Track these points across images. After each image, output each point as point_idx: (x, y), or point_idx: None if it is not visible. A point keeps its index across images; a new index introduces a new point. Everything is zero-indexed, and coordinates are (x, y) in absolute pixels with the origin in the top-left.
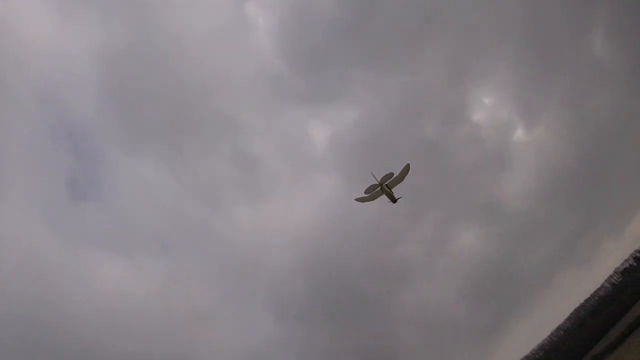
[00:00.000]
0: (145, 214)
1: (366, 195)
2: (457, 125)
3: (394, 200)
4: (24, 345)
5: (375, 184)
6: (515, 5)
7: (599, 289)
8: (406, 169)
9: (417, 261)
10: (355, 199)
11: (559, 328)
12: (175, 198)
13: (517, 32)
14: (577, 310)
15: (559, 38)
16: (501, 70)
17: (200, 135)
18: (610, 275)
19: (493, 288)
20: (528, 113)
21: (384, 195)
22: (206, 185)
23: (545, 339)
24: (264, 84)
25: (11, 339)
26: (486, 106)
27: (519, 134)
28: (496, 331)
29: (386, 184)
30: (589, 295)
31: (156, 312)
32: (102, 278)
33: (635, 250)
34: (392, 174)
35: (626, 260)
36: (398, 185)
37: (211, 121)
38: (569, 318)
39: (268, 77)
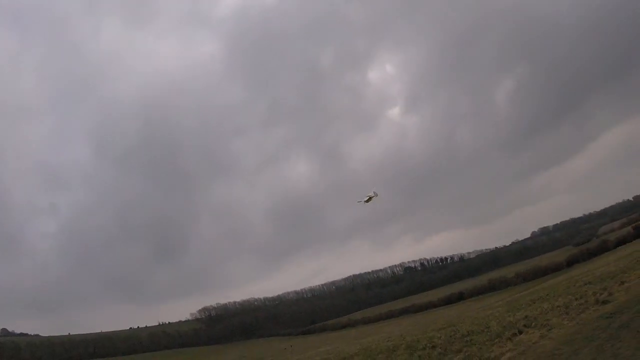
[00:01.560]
0: None
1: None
2: (350, 70)
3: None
4: None
5: (371, 196)
6: (464, 14)
7: (380, 270)
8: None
9: (247, 162)
10: (357, 201)
11: (332, 283)
12: None
13: (454, 33)
14: (355, 277)
15: (480, 64)
16: (417, 52)
17: None
18: (395, 265)
19: (298, 221)
20: (413, 102)
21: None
22: None
23: (319, 285)
24: None
25: None
26: (384, 72)
27: (394, 112)
28: (282, 258)
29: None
30: (370, 270)
31: None
32: None
33: (424, 258)
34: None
35: (414, 261)
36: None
37: None
38: (345, 279)
39: None
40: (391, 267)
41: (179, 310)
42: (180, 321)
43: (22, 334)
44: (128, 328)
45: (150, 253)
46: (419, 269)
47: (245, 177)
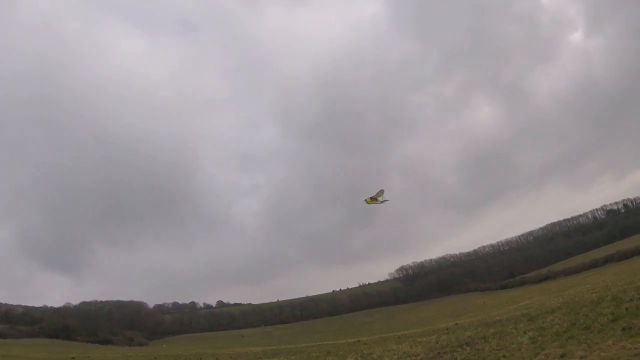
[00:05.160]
0: None
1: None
2: None
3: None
4: (36, 105)
5: (375, 197)
6: None
7: (581, 216)
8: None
9: (428, 115)
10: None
11: (530, 233)
12: None
13: None
14: (553, 225)
15: None
16: None
17: None
18: (596, 209)
19: (488, 170)
20: (594, 21)
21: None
22: None
23: (515, 237)
24: None
25: (22, 96)
26: None
27: (577, 36)
28: (475, 211)
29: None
30: (569, 217)
31: (168, 94)
32: (121, 51)
33: (627, 198)
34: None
35: (616, 203)
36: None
37: None
38: (543, 228)
39: None
40: (592, 212)
41: (378, 271)
42: (379, 281)
43: (235, 304)
44: (331, 291)
45: (346, 217)
46: (623, 211)
47: (429, 130)
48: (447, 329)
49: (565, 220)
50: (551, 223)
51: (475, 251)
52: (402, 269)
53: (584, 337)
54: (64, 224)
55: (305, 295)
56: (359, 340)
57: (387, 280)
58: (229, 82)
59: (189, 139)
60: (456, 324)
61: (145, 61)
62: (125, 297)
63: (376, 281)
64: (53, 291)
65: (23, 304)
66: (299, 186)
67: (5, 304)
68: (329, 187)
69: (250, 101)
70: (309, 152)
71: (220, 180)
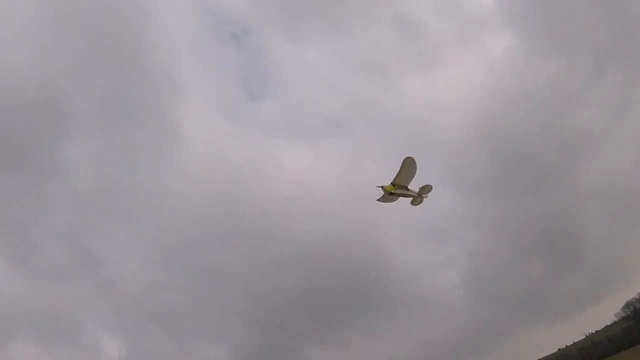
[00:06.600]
0: (317, 97)
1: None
2: None
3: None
4: (229, 237)
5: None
6: None
7: None
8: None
9: (599, 126)
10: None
11: None
12: (342, 77)
13: None
14: None
15: None
16: None
17: (355, 5)
18: None
19: None
20: None
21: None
22: (371, 58)
23: None
24: None
25: (216, 234)
26: None
27: None
28: None
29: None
30: None
31: (342, 192)
32: (289, 168)
33: None
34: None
35: None
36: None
37: None
38: None
39: None
40: None
41: (601, 314)
42: (606, 326)
43: None
44: (557, 350)
45: (550, 264)
46: None
47: (608, 141)
48: None
49: None
50: None
51: None
52: (627, 305)
53: None
54: (276, 335)
55: None
56: None
57: (614, 323)
58: (392, 165)
59: (372, 228)
60: None
61: (315, 167)
62: None
63: (603, 326)
64: None
65: None
66: (492, 245)
67: None
68: (522, 238)
69: (420, 175)
70: (491, 207)
71: (414, 261)
